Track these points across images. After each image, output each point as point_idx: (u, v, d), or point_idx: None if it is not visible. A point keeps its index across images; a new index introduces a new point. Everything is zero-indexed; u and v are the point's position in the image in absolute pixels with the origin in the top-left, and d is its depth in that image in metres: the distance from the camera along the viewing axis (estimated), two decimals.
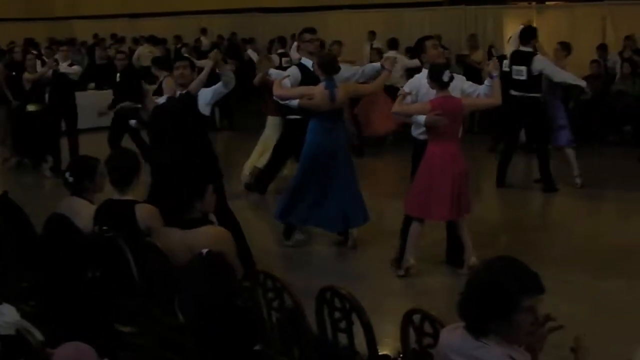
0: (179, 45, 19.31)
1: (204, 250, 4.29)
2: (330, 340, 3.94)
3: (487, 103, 7.25)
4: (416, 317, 3.49)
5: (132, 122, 7.37)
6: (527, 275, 2.99)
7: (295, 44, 13.75)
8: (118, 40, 21.21)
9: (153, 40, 19.18)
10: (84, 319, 4.70)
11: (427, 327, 3.45)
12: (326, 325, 3.93)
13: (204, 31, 20.71)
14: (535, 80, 9.99)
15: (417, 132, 7.20)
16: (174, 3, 22.62)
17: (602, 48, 14.95)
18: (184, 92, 7.07)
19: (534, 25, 12.04)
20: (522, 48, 10.22)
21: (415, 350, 3.57)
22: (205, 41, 19.88)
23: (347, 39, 18.00)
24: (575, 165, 10.34)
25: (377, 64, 8.09)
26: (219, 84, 7.07)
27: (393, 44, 15.33)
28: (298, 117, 9.23)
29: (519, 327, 2.95)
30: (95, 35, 22.27)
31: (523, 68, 10.09)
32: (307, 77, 7.80)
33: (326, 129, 7.59)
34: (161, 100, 7.44)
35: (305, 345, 3.93)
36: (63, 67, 12.44)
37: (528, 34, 10.29)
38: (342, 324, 3.83)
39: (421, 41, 7.41)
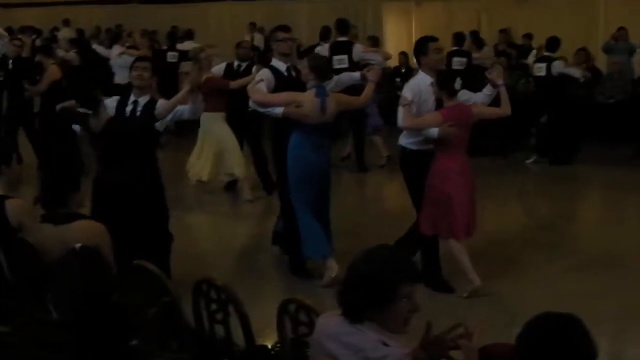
0: (34, 37, 18.43)
1: (78, 245, 4.20)
2: (208, 333, 3.93)
3: (498, 113, 6.64)
4: (292, 307, 3.52)
5: (77, 127, 6.45)
6: (406, 263, 3.03)
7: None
8: None
9: (30, 30, 18.54)
10: None
11: (303, 317, 3.49)
12: (203, 317, 3.92)
13: (66, 22, 20.07)
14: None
15: (407, 141, 6.60)
16: None
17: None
18: (139, 104, 6.29)
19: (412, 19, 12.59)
20: (340, 38, 11.15)
21: (292, 339, 3.60)
22: (66, 33, 19.11)
23: (228, 31, 17.94)
24: (382, 149, 11.59)
25: (356, 74, 7.35)
26: (182, 108, 6.29)
27: (325, 35, 12.72)
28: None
29: (396, 315, 2.98)
30: None
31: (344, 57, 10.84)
32: (281, 82, 6.88)
33: (313, 145, 6.59)
34: (109, 103, 6.39)
35: (182, 339, 3.91)
36: None
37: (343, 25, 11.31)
38: (219, 316, 3.83)
39: (423, 42, 6.71)
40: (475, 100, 6.58)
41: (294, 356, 3.53)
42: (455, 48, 13.13)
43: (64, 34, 18.98)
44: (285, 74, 6.97)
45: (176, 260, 6.49)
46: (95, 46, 15.56)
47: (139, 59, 6.76)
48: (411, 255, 6.00)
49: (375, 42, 13.38)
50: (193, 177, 9.98)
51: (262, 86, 6.71)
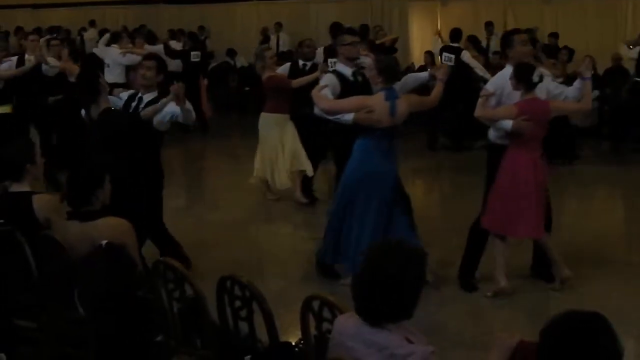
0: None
1: (104, 242, 4.24)
2: (232, 329, 3.94)
3: (577, 108, 6.63)
4: (315, 303, 3.53)
5: (83, 112, 6.54)
6: (423, 260, 3.02)
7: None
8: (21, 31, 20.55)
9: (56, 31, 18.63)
10: None
11: (326, 313, 3.50)
12: (227, 314, 3.93)
13: (92, 23, 20.15)
14: None
15: (495, 136, 6.37)
16: None
17: None
18: (143, 101, 6.39)
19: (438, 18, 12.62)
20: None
21: (315, 336, 3.61)
22: (92, 34, 19.05)
23: (254, 31, 17.98)
24: None
25: (423, 74, 7.28)
26: (179, 114, 6.25)
27: (364, 31, 13.26)
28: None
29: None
30: None
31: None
32: (347, 88, 6.63)
33: (383, 151, 6.27)
34: (123, 96, 6.57)
35: (206, 335, 3.93)
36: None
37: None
38: (243, 313, 3.84)
39: (508, 35, 6.61)
40: (567, 94, 6.43)
41: (318, 353, 3.53)
42: (449, 44, 13.10)
43: (90, 35, 19.07)
44: (352, 79, 6.76)
45: (202, 257, 6.51)
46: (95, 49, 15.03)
47: (146, 57, 6.82)
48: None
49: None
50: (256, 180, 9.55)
51: (328, 92, 6.46)
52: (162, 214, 6.63)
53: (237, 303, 3.86)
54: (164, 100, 6.23)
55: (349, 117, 6.19)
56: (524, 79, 6.05)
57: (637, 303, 6.13)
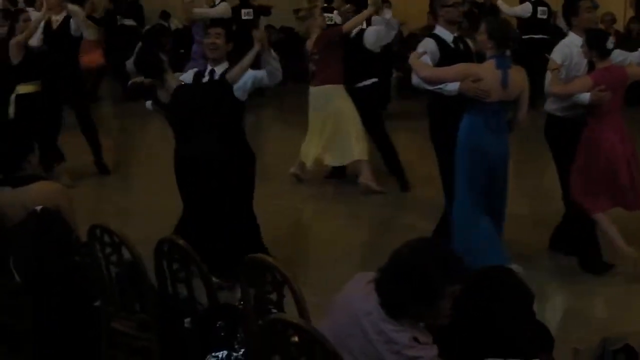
0: None
1: (38, 207, 4.18)
2: (171, 293, 3.93)
3: None
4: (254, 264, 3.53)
5: (148, 103, 5.78)
6: (454, 262, 2.94)
7: None
8: None
9: None
10: None
11: (268, 276, 3.50)
12: (166, 277, 3.92)
13: None
14: None
15: (553, 107, 5.94)
16: None
17: None
18: (216, 73, 5.61)
19: None
20: None
21: (255, 296, 3.61)
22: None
23: None
24: None
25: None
26: (262, 73, 5.60)
27: None
28: (370, 82, 8.06)
29: (439, 312, 2.95)
30: None
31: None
32: (447, 55, 5.85)
33: (491, 128, 5.54)
34: (186, 78, 5.83)
35: (145, 299, 3.91)
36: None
37: None
38: (182, 275, 3.83)
39: (573, 1, 6.08)
40: (632, 59, 6.06)
41: (257, 313, 3.54)
42: None
43: None
44: (452, 45, 5.97)
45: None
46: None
47: (212, 24, 6.06)
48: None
49: None
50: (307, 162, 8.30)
51: (427, 59, 5.74)
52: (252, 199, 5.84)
53: (175, 265, 3.85)
54: (245, 58, 5.55)
55: (453, 86, 5.49)
56: (597, 46, 5.67)
57: None
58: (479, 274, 2.73)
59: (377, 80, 8.25)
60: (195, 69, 5.88)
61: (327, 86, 7.94)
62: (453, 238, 5.60)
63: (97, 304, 4.12)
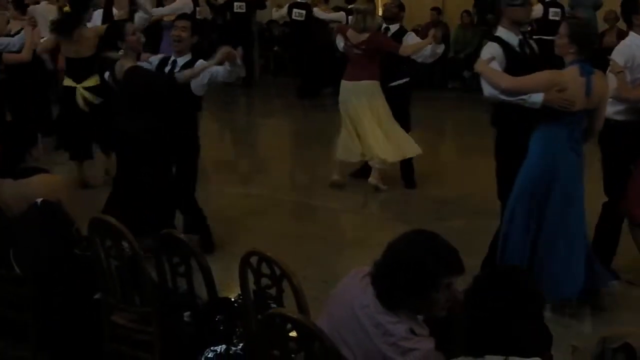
0: None
1: (39, 200, 4.18)
2: (171, 286, 3.93)
3: None
4: (254, 259, 3.53)
5: (106, 74, 5.96)
6: (449, 254, 2.94)
7: None
8: None
9: None
10: None
11: (265, 269, 3.51)
12: (166, 271, 3.92)
13: None
14: None
15: (612, 110, 5.43)
16: None
17: None
18: (177, 64, 5.91)
19: None
20: None
21: (254, 291, 3.62)
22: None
23: None
24: None
25: None
26: (219, 71, 5.79)
27: None
28: (403, 82, 8.08)
29: (435, 303, 2.94)
30: None
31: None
32: (512, 61, 5.25)
33: (572, 141, 5.01)
34: (153, 61, 6.08)
35: (145, 292, 3.91)
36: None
37: None
38: (181, 269, 3.83)
39: (633, 0, 5.68)
40: None
41: (257, 307, 3.55)
42: None
43: None
44: (518, 49, 5.35)
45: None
46: None
47: (179, 17, 6.29)
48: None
49: None
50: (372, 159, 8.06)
51: (496, 66, 5.15)
52: (195, 185, 6.22)
53: (176, 259, 3.85)
54: (205, 62, 5.80)
55: (537, 98, 4.89)
56: None
57: None
58: (491, 272, 2.72)
59: (408, 80, 8.25)
60: (163, 55, 6.19)
61: (362, 82, 7.90)
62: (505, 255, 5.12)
63: (97, 296, 4.13)
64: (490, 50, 5.25)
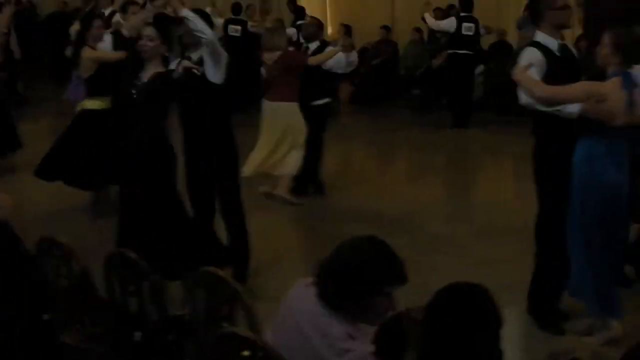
0: None
1: None
2: (121, 305, 3.90)
3: None
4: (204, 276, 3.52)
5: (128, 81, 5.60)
6: (394, 262, 2.97)
7: None
8: None
9: None
10: None
11: (217, 287, 3.50)
12: (115, 290, 3.89)
13: None
14: None
15: None
16: None
17: None
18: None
19: None
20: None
21: (205, 308, 3.60)
22: None
23: None
24: None
25: None
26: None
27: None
28: (324, 101, 8.30)
29: (373, 310, 2.96)
30: None
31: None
32: (553, 66, 4.99)
33: (615, 156, 4.80)
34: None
35: (94, 312, 3.88)
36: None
37: None
38: (132, 288, 3.81)
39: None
40: None
41: (207, 324, 3.53)
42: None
43: None
44: (559, 54, 5.09)
45: None
46: None
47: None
48: None
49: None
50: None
51: (534, 72, 4.88)
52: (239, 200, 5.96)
53: (125, 278, 3.82)
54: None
55: (573, 108, 4.75)
56: None
57: None
58: (452, 288, 2.74)
59: (330, 100, 8.47)
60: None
61: (282, 103, 7.99)
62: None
63: (46, 317, 4.08)
64: (530, 56, 5.01)
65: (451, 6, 13.86)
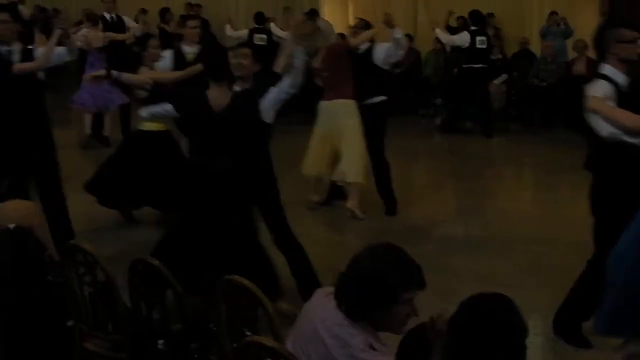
0: None
1: (11, 225, 4.14)
2: (144, 313, 3.91)
3: None
4: (229, 289, 3.52)
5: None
6: (411, 269, 2.98)
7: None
8: None
9: None
10: None
11: (238, 298, 3.49)
12: (139, 298, 3.90)
13: None
14: None
15: None
16: None
17: None
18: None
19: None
20: None
21: (227, 318, 3.60)
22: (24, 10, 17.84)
23: None
24: None
25: None
26: (285, 83, 5.17)
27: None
28: (380, 99, 8.02)
29: (395, 318, 2.98)
30: None
31: None
32: (622, 100, 4.82)
33: None
34: None
35: (118, 320, 3.89)
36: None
37: None
38: (155, 296, 3.81)
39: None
40: None
41: (230, 333, 3.53)
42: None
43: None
44: (626, 89, 4.88)
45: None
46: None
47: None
48: None
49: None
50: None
51: (612, 104, 4.75)
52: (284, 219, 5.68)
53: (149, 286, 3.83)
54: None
55: None
56: None
57: None
58: (473, 301, 2.72)
59: (386, 99, 8.15)
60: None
61: (337, 101, 7.79)
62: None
63: (70, 323, 4.09)
64: (603, 88, 4.82)
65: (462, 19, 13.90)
